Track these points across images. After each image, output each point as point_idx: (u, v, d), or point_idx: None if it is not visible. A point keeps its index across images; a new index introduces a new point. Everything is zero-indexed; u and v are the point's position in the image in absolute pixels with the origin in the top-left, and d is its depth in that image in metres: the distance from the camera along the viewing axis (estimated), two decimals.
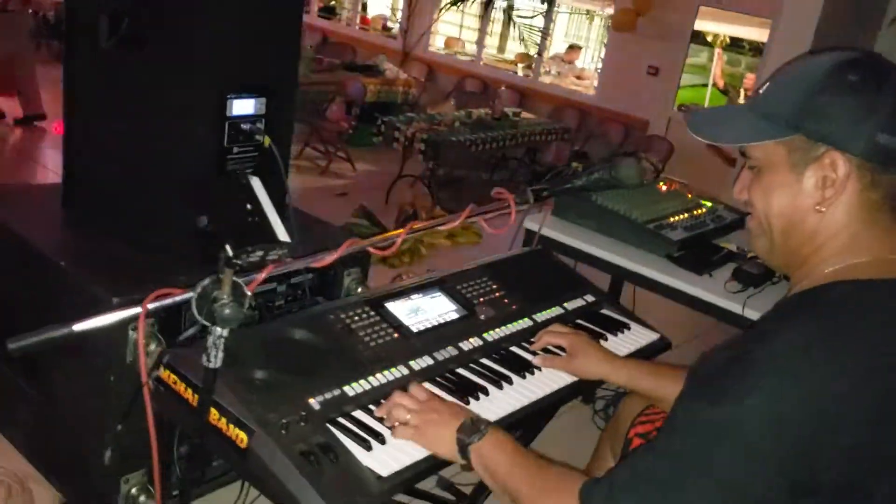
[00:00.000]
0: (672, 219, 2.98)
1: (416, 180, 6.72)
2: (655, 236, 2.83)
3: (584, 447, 2.22)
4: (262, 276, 1.39)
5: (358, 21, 11.24)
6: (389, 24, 11.56)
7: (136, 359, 1.65)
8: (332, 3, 11.50)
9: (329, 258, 1.51)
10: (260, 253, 1.43)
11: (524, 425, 1.95)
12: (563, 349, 1.84)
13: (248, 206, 1.74)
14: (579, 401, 3.43)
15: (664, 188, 3.33)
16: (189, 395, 1.47)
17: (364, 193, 6.30)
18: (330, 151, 7.22)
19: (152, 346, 1.67)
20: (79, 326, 1.30)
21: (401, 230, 1.69)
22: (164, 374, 1.49)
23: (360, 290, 2.32)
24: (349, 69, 8.33)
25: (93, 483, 2.08)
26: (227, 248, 1.19)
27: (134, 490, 2.03)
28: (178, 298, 1.37)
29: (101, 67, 2.15)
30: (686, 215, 3.07)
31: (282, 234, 1.61)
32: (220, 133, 2.08)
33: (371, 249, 1.61)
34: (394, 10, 11.13)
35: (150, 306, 1.35)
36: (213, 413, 1.43)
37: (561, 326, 1.91)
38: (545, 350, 1.86)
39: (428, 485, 2.43)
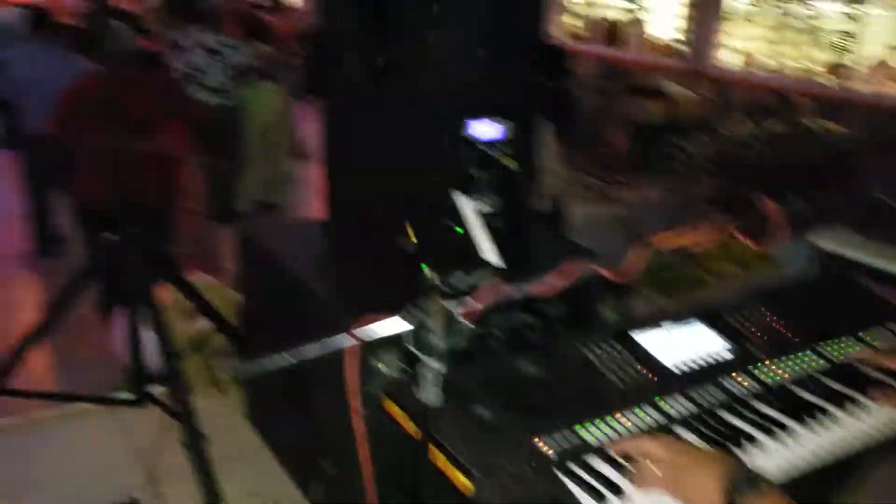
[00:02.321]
0: None
1: (704, 205, 6.27)
2: None
3: None
4: (480, 304, 1.27)
5: (640, 43, 10.95)
6: (674, 43, 11.11)
7: (368, 383, 1.60)
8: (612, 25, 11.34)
9: (552, 285, 1.34)
10: (467, 278, 1.31)
11: (811, 489, 1.61)
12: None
13: (455, 226, 1.63)
14: None
15: None
16: (411, 428, 1.38)
17: (647, 220, 6.00)
18: (608, 176, 7.02)
19: (382, 370, 1.61)
20: (293, 354, 1.26)
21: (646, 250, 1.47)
22: (386, 403, 1.42)
23: (614, 316, 2.10)
24: (630, 91, 8.09)
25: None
26: (430, 271, 1.08)
27: None
28: (388, 326, 1.29)
29: (350, 102, 2.20)
30: None
31: (491, 257, 1.48)
32: (462, 158, 2.01)
33: (605, 274, 1.42)
34: (679, 28, 10.68)
35: (358, 333, 1.28)
36: (435, 452, 1.32)
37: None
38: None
39: None
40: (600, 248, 2.40)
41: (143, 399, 2.66)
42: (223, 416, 2.62)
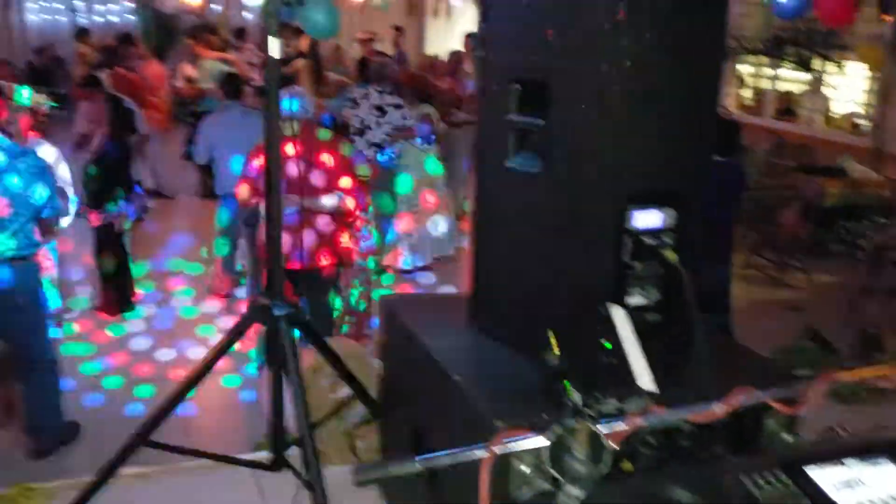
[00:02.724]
0: None
1: (886, 296, 5.73)
2: None
3: None
4: (627, 430, 1.13)
5: (820, 120, 10.35)
6: (858, 120, 10.43)
7: (501, 498, 1.49)
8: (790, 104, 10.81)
9: (709, 414, 1.19)
10: (615, 403, 1.17)
11: None
12: None
13: (608, 344, 1.49)
14: None
15: None
16: None
17: (820, 309, 5.56)
18: (782, 260, 6.58)
19: (517, 487, 1.50)
20: (422, 462, 1.18)
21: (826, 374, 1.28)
22: None
23: (787, 437, 1.88)
24: (807, 171, 7.63)
25: None
26: (573, 392, 0.97)
27: None
28: (526, 441, 1.18)
29: (504, 183, 2.14)
30: None
31: (644, 381, 1.33)
32: (619, 248, 1.89)
33: (773, 404, 1.24)
34: (861, 103, 10.03)
35: (498, 450, 1.17)
36: None
37: None
38: None
39: None
40: (767, 342, 2.18)
41: (280, 463, 2.67)
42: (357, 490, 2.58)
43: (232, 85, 5.92)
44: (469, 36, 9.83)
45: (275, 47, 2.27)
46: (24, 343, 3.43)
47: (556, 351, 1.47)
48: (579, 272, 1.95)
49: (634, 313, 1.87)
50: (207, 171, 6.26)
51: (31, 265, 3.42)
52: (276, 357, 2.48)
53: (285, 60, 9.38)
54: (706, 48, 2.04)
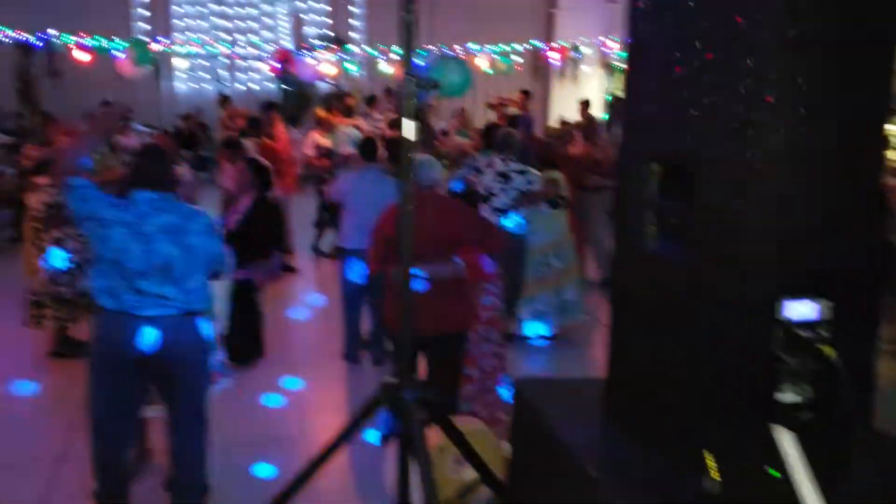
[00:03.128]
0: None
1: None
2: None
3: None
4: None
5: None
6: None
7: None
8: None
9: None
10: None
11: None
12: None
13: (775, 472, 1.36)
14: None
15: None
16: None
17: None
18: None
19: None
20: None
21: None
22: None
23: None
24: None
25: None
26: None
27: None
28: None
29: (644, 268, 2.05)
30: None
31: None
32: (769, 340, 1.76)
33: None
34: None
35: None
36: None
37: None
38: None
39: None
40: None
41: None
42: None
43: (369, 148, 6.11)
44: (583, 103, 9.79)
45: (410, 129, 2.30)
46: (185, 399, 3.48)
47: (716, 475, 1.36)
48: (726, 366, 1.83)
49: (786, 412, 1.73)
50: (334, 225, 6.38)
51: (202, 321, 3.50)
52: (404, 437, 2.45)
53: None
54: (865, 121, 1.90)
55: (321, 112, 9.94)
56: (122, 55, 10.47)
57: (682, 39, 1.91)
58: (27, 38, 11.47)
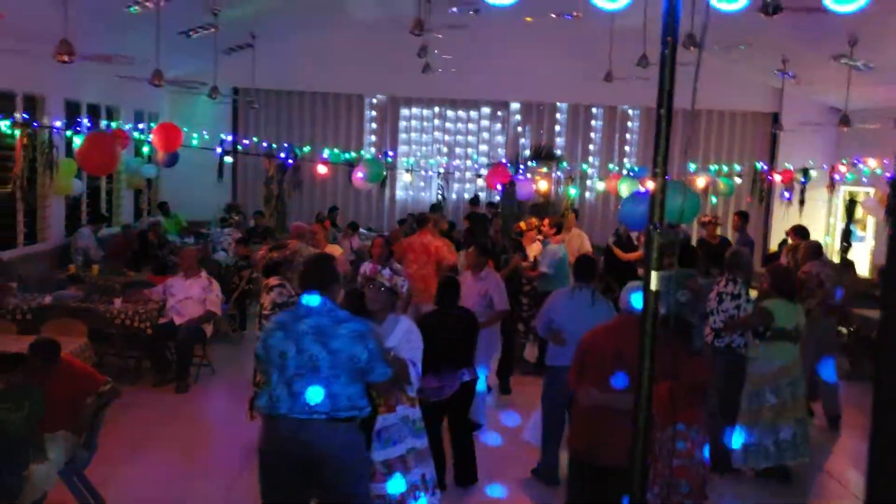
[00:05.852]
0: None
1: None
2: None
3: None
4: None
5: None
6: None
7: None
8: None
9: None
10: None
11: None
12: None
13: None
14: None
15: None
16: None
17: None
18: None
19: None
20: None
21: None
22: None
23: None
24: None
25: None
26: None
27: None
28: None
29: None
30: None
31: None
32: None
33: None
34: None
35: None
36: None
37: None
38: None
39: None
40: None
41: None
42: None
43: (587, 268, 5.87)
44: (794, 228, 9.23)
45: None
46: (343, 494, 3.68)
47: None
48: None
49: None
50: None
51: (351, 425, 3.63)
52: None
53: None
54: None
55: (527, 224, 9.71)
56: (357, 171, 11.29)
57: None
58: (280, 154, 12.85)
